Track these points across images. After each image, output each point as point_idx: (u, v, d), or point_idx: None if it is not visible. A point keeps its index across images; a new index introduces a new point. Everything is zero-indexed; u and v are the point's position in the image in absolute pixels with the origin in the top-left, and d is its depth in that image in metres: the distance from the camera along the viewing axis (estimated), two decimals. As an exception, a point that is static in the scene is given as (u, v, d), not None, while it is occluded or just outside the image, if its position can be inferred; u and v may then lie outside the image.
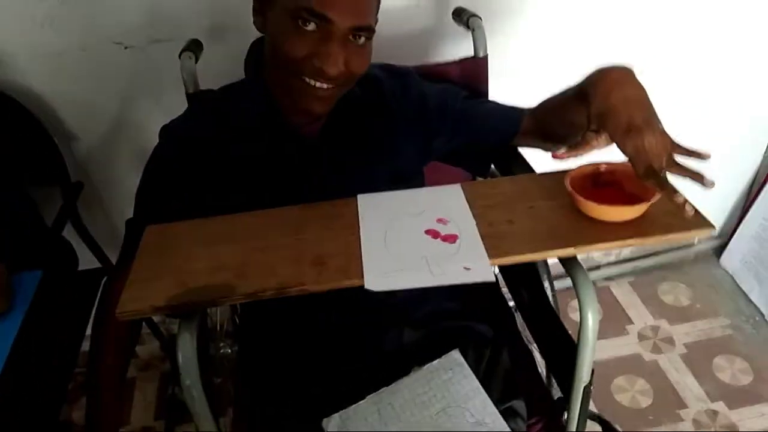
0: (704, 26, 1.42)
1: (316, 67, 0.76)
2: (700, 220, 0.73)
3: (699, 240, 1.88)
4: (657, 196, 0.72)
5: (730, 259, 1.85)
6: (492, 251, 0.72)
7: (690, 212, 0.69)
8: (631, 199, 0.76)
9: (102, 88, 1.24)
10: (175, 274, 0.72)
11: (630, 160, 0.70)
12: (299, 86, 0.79)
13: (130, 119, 1.28)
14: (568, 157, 0.75)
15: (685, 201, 0.68)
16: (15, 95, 1.16)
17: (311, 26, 0.75)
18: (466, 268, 0.70)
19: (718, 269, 1.87)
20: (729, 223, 1.85)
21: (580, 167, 0.80)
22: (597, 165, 0.80)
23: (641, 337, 1.67)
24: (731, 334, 1.66)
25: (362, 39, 0.79)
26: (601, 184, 0.80)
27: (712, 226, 0.72)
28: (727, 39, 1.45)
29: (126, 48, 1.19)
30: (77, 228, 1.28)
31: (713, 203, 1.78)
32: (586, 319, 0.77)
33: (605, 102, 0.71)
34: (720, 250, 1.89)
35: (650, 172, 0.68)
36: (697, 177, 0.67)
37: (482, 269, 0.70)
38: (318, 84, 0.78)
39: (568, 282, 0.78)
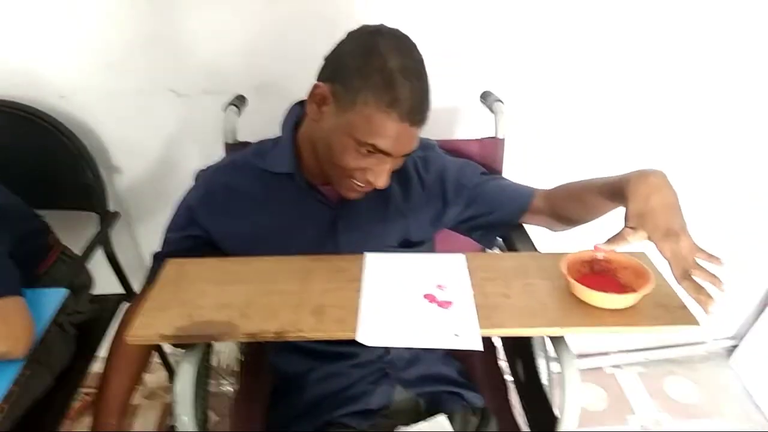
0: (726, 136, 1.46)
1: (368, 179, 0.86)
2: (687, 316, 0.76)
3: (713, 339, 1.86)
4: (647, 289, 0.75)
5: (741, 361, 1.82)
6: (483, 321, 0.76)
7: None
8: (623, 288, 0.80)
9: (151, 129, 1.35)
10: (185, 307, 0.78)
11: (668, 261, 0.74)
12: (346, 182, 0.89)
13: (171, 159, 1.39)
14: (607, 249, 0.80)
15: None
16: (72, 127, 1.27)
17: (371, 152, 0.84)
18: (456, 335, 0.74)
19: (728, 370, 1.83)
20: (744, 325, 1.83)
21: (578, 252, 0.84)
22: (595, 252, 0.83)
23: (642, 429, 1.64)
24: (736, 439, 1.62)
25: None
26: (597, 270, 0.84)
27: (698, 323, 0.75)
28: (748, 151, 1.50)
29: (179, 96, 1.30)
30: (107, 254, 1.36)
31: (731, 305, 1.78)
32: (567, 398, 0.79)
33: (645, 204, 0.76)
34: (732, 350, 1.86)
35: (687, 275, 0.72)
36: (717, 282, 0.72)
37: (471, 337, 0.73)
38: (364, 187, 0.88)
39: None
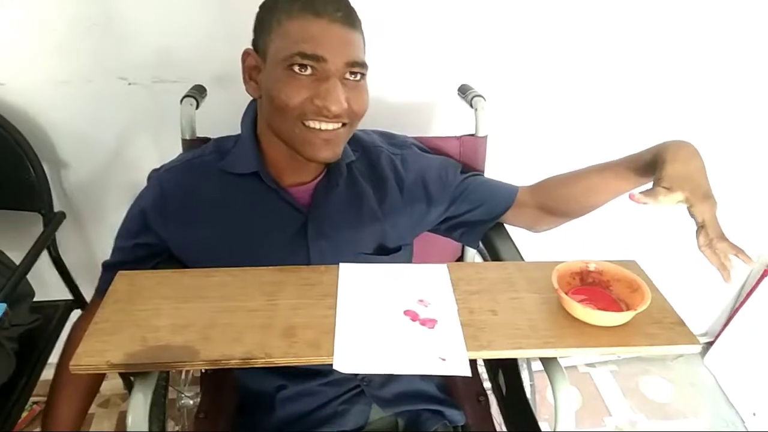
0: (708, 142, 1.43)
1: (318, 107, 0.76)
2: (686, 335, 0.71)
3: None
4: (644, 306, 0.70)
5: (714, 359, 1.82)
6: (471, 342, 0.69)
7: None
8: (615, 303, 0.76)
9: (101, 121, 1.23)
10: (137, 328, 0.69)
11: (705, 223, 0.73)
12: (303, 133, 0.78)
13: (124, 155, 1.27)
14: (642, 200, 0.74)
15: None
16: (9, 117, 1.15)
17: (307, 71, 0.75)
18: (442, 359, 0.67)
19: (701, 368, 1.83)
20: (717, 323, 1.83)
21: (569, 263, 0.78)
22: (586, 263, 0.78)
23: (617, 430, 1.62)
24: (710, 438, 1.61)
25: (358, 76, 0.79)
26: (588, 282, 0.79)
27: (697, 342, 0.71)
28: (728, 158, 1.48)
29: (130, 84, 1.19)
30: (53, 258, 1.25)
31: (704, 303, 1.77)
32: (560, 421, 0.73)
33: (686, 166, 0.75)
34: (706, 349, 1.85)
35: (723, 236, 0.73)
36: (742, 253, 0.74)
37: (459, 362, 0.67)
38: (323, 126, 0.78)
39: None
